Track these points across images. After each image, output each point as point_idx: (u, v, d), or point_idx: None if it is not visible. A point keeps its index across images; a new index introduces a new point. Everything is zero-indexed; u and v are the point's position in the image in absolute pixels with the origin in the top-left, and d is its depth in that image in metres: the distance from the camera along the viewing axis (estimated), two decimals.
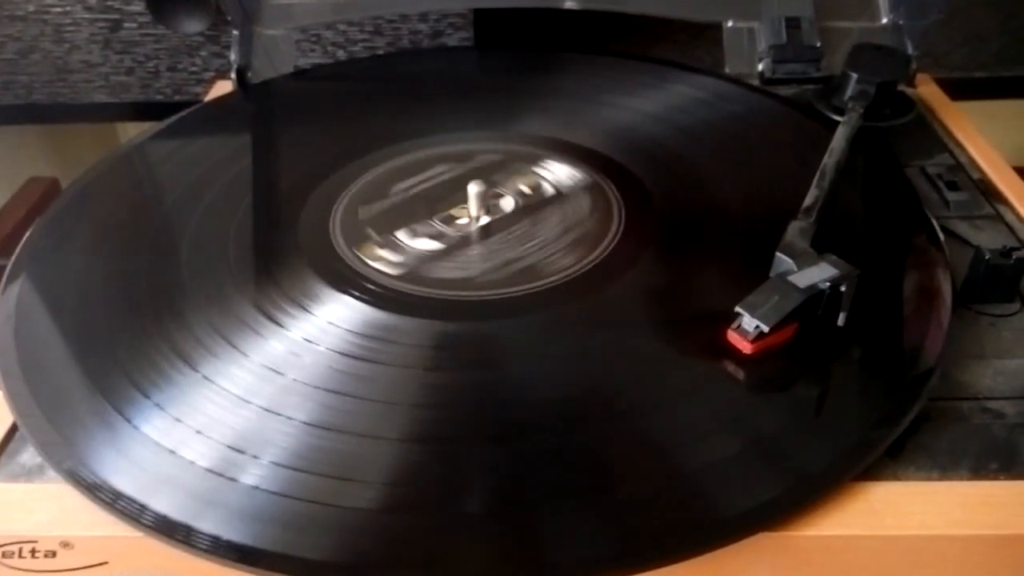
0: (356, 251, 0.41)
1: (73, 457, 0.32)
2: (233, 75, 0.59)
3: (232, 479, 0.30)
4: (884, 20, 0.59)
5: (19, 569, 0.30)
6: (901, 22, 0.58)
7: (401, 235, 0.43)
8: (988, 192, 0.46)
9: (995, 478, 0.31)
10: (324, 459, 0.31)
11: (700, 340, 0.35)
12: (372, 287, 0.39)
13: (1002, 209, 0.45)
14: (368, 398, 0.33)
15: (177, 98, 0.72)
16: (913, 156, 0.49)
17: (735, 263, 0.40)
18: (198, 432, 0.32)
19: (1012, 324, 0.38)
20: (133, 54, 0.69)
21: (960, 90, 0.58)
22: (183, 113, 0.55)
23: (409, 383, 0.34)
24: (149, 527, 0.29)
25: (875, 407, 0.33)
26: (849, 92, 0.52)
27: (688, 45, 0.69)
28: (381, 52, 0.69)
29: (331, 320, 0.37)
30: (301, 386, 0.34)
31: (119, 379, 0.35)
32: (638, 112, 0.52)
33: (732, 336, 0.34)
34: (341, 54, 0.69)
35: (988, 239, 0.42)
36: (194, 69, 0.71)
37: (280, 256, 0.42)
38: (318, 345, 0.36)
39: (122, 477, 0.31)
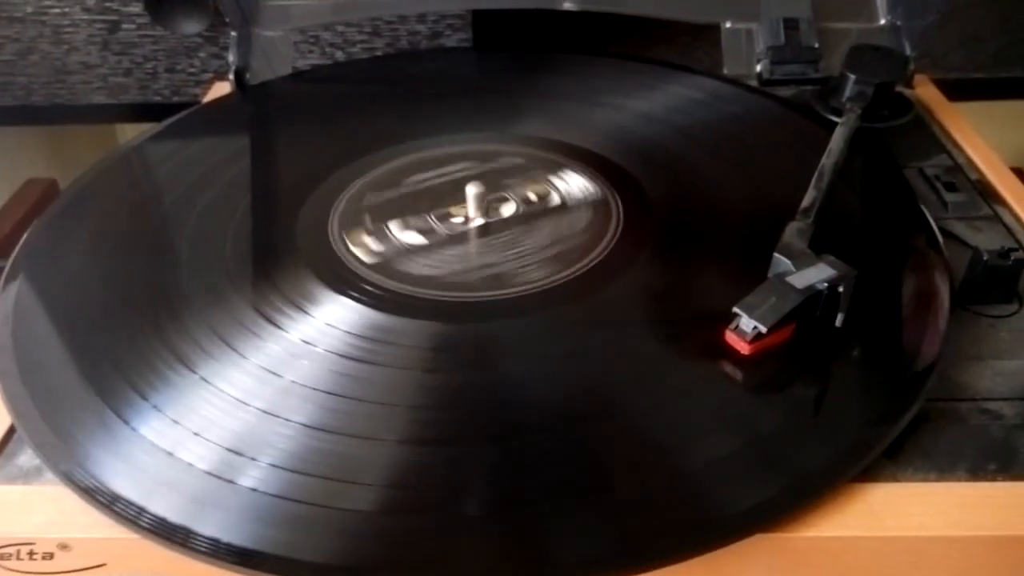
0: (344, 235, 0.42)
1: (71, 459, 0.32)
2: (231, 76, 0.59)
3: (231, 481, 0.30)
4: (882, 21, 0.59)
5: (17, 571, 0.30)
6: (899, 23, 0.58)
7: (393, 225, 0.43)
8: (986, 193, 0.46)
9: (993, 479, 0.31)
10: (324, 461, 0.31)
11: (698, 341, 0.35)
12: (370, 288, 0.39)
13: (1000, 210, 0.45)
14: (367, 400, 0.33)
15: (175, 99, 0.72)
16: (911, 157, 0.49)
17: (733, 264, 0.40)
18: (196, 434, 0.32)
19: (1010, 325, 0.38)
20: (131, 55, 0.69)
21: (958, 91, 0.58)
22: (181, 114, 0.55)
23: (408, 384, 0.34)
24: (147, 529, 0.29)
25: (873, 408, 0.33)
26: (847, 93, 0.52)
27: (687, 46, 0.69)
28: (380, 53, 0.69)
29: (329, 322, 0.37)
30: (300, 388, 0.34)
31: (117, 381, 0.35)
32: (636, 113, 0.52)
33: (730, 337, 0.34)
34: (339, 55, 0.69)
35: (986, 240, 0.42)
36: (192, 70, 0.71)
37: (278, 258, 0.42)
38: (316, 347, 0.36)
39: (120, 479, 0.31)
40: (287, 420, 0.32)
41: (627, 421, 0.32)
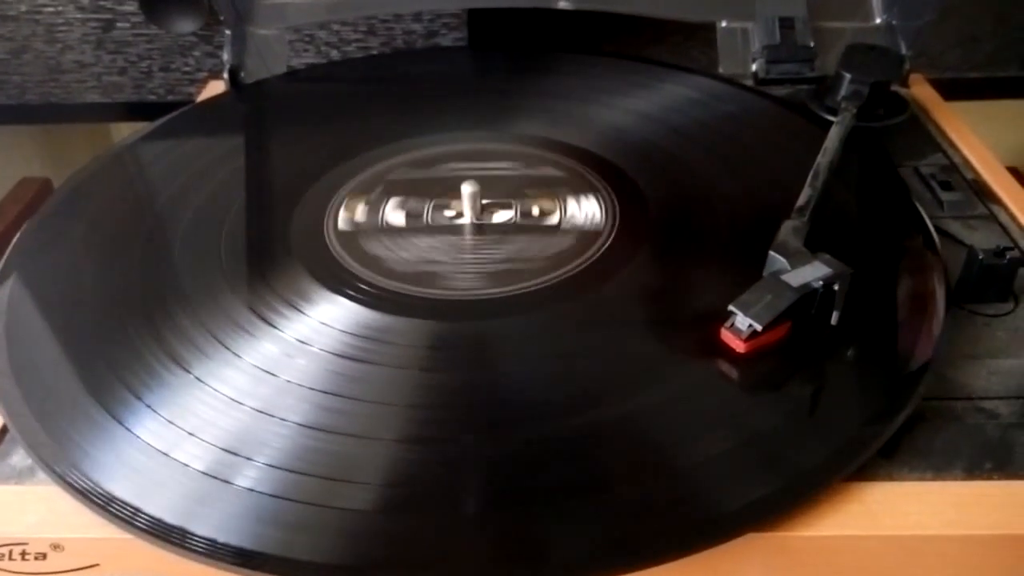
0: (346, 198, 0.43)
1: (64, 459, 0.31)
2: (226, 75, 0.59)
3: (227, 481, 0.30)
4: (878, 20, 0.59)
5: (9, 571, 0.30)
6: (894, 22, 0.58)
7: (392, 202, 0.43)
8: (982, 192, 0.46)
9: (989, 478, 0.31)
10: (321, 461, 0.31)
11: (693, 339, 0.35)
12: (366, 287, 0.39)
13: (996, 209, 0.45)
14: (364, 399, 0.33)
15: (170, 98, 0.72)
16: (907, 156, 0.49)
17: (728, 262, 0.40)
18: (191, 434, 0.32)
19: (1006, 324, 0.38)
20: (126, 54, 0.69)
21: (954, 90, 0.58)
22: (176, 113, 0.55)
23: (405, 383, 0.34)
24: (143, 530, 0.29)
25: (869, 406, 0.33)
26: (843, 92, 0.52)
27: (682, 45, 0.69)
28: (375, 52, 0.69)
29: (324, 320, 0.37)
30: (295, 387, 0.34)
31: (111, 380, 0.34)
32: (632, 112, 0.52)
33: (725, 335, 0.34)
34: (335, 54, 0.69)
35: (982, 239, 0.42)
36: (187, 69, 0.70)
37: (273, 256, 0.41)
38: (312, 346, 0.36)
39: (114, 479, 0.31)
40: (283, 420, 0.32)
41: (621, 420, 0.32)
